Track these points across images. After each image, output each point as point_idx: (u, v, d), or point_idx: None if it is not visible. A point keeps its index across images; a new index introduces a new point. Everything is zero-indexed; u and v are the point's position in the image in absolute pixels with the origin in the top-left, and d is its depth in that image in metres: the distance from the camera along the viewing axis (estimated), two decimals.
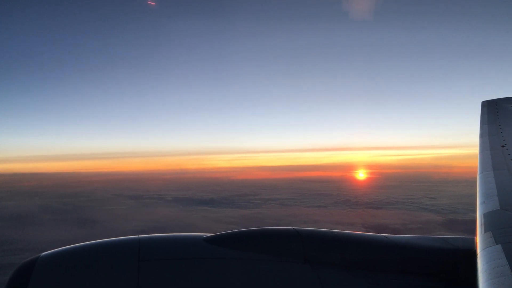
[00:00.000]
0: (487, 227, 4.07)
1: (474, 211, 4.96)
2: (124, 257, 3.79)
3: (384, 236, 4.83)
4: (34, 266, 3.58)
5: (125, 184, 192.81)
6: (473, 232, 4.26)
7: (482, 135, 9.17)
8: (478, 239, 3.91)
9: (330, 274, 4.06)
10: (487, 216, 4.41)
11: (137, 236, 4.12)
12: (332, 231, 4.72)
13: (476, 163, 7.21)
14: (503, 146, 7.85)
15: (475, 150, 8.20)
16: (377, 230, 67.91)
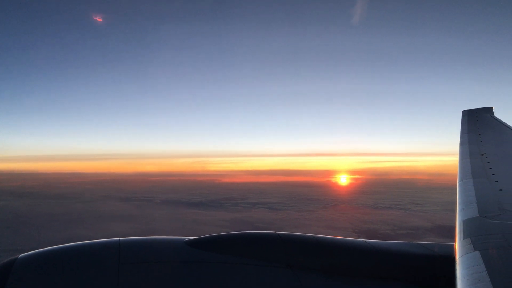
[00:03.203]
0: (466, 233, 4.10)
1: None
2: (103, 259, 3.76)
3: (364, 241, 4.86)
4: (12, 268, 3.54)
5: (112, 186, 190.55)
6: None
7: (462, 144, 9.34)
8: (457, 245, 3.95)
9: (311, 279, 4.09)
10: (466, 223, 4.45)
11: (118, 238, 4.09)
12: (314, 236, 4.74)
13: (456, 171, 7.34)
14: (482, 155, 8.01)
15: (456, 158, 8.34)
16: (368, 235, 68.53)
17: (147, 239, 4.29)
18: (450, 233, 4.53)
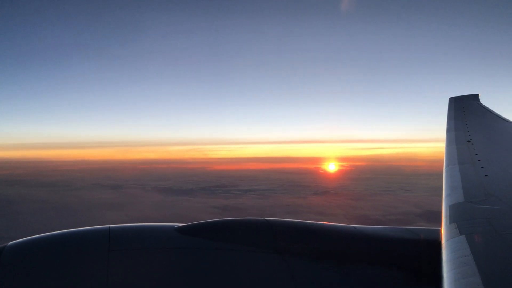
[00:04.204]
0: (452, 218, 4.12)
1: None
2: (93, 246, 3.73)
3: (353, 226, 4.86)
4: (1, 256, 3.51)
5: (102, 174, 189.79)
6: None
7: (448, 130, 9.40)
8: (443, 230, 3.97)
9: (300, 264, 4.09)
10: (452, 208, 4.48)
11: (107, 225, 4.05)
12: (302, 222, 4.72)
13: (443, 157, 7.38)
14: (468, 141, 8.06)
15: (444, 144, 8.36)
16: (359, 221, 69.20)
17: (136, 226, 4.25)
18: (439, 218, 4.63)
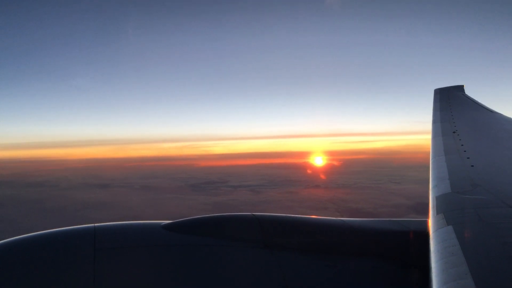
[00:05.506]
0: (439, 209, 4.21)
1: None
2: (79, 246, 3.72)
3: (341, 220, 4.97)
4: None
5: (88, 173, 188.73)
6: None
7: (434, 122, 9.63)
8: (431, 221, 4.04)
9: (289, 258, 4.14)
10: (439, 199, 4.58)
11: (93, 224, 4.05)
12: (290, 216, 4.79)
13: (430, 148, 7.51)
14: (454, 132, 8.24)
15: (430, 136, 8.49)
16: (350, 214, 69.67)
17: (122, 224, 4.25)
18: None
